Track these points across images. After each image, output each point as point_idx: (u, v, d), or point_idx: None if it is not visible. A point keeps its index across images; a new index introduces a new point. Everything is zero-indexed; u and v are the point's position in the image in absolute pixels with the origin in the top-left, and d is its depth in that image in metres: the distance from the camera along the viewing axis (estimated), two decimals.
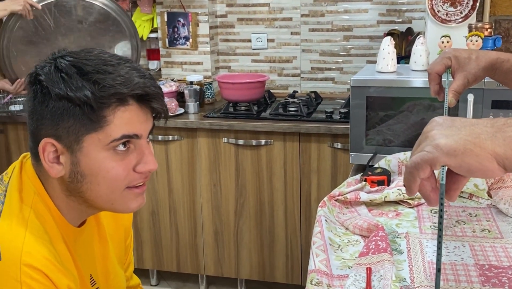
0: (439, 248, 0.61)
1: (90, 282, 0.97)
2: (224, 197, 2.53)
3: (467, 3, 1.76)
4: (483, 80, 1.58)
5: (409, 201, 1.43)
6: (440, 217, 0.62)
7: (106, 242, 1.05)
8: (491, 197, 1.40)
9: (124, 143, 0.86)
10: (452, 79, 1.12)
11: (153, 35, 2.96)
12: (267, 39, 2.88)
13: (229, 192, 2.52)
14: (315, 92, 2.72)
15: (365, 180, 1.50)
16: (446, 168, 0.64)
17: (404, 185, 0.69)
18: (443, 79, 1.14)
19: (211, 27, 2.84)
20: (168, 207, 2.62)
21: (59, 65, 0.85)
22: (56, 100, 0.83)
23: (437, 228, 1.30)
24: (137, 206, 0.93)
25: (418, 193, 1.42)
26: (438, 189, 0.68)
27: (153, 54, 2.97)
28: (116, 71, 0.84)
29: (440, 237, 0.61)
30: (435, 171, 0.67)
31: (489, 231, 1.26)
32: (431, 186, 0.68)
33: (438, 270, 0.61)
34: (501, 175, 0.62)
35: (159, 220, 2.65)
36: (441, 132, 0.64)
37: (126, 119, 0.85)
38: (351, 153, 1.73)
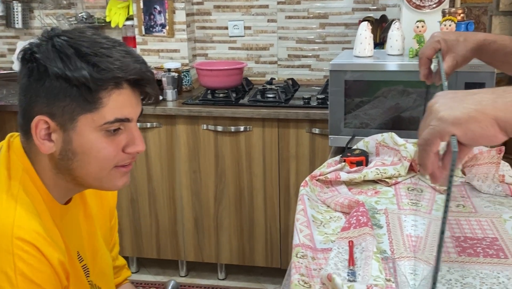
0: (445, 211, 0.64)
1: (78, 258, 0.99)
2: (203, 183, 2.55)
3: None
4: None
5: (387, 180, 1.47)
6: (450, 182, 0.63)
7: (92, 220, 1.07)
8: (465, 174, 1.46)
9: (115, 127, 0.90)
10: (443, 61, 1.15)
11: (129, 22, 2.94)
12: (244, 27, 2.89)
13: (209, 178, 2.54)
14: (292, 79, 2.75)
15: (344, 161, 1.55)
16: (456, 137, 0.65)
17: (418, 164, 0.71)
18: (433, 64, 1.17)
19: (187, 15, 2.84)
20: (147, 194, 2.63)
21: (56, 44, 0.86)
22: (53, 79, 0.85)
23: (414, 204, 1.35)
24: (122, 183, 0.97)
25: (393, 172, 1.46)
26: (441, 166, 0.70)
27: (129, 42, 2.96)
28: (113, 55, 0.86)
29: (447, 201, 0.63)
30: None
31: (463, 206, 1.31)
32: (437, 162, 0.70)
33: (442, 232, 0.64)
34: (503, 139, 0.64)
35: (139, 207, 2.65)
36: (445, 105, 0.67)
37: (120, 102, 0.88)
38: (330, 136, 1.77)
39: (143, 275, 2.78)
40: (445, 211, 0.63)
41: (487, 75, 1.58)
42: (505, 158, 1.42)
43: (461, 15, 1.67)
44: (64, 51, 0.85)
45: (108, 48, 0.87)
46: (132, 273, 2.80)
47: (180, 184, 2.57)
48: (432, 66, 1.18)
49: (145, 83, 0.90)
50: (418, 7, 1.83)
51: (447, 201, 0.63)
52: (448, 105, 0.66)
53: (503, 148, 1.37)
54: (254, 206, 2.53)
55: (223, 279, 2.72)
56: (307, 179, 1.43)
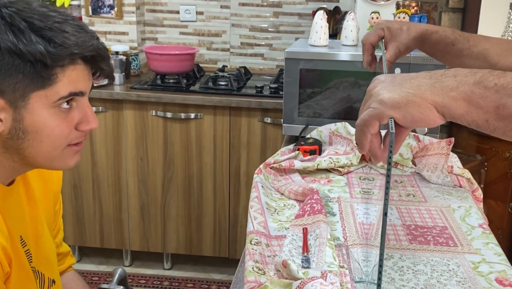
0: (386, 193, 0.64)
1: (21, 243, 0.93)
2: (151, 170, 2.48)
3: None
4: (409, 55, 1.65)
5: (339, 168, 1.48)
6: (389, 164, 0.64)
7: (35, 203, 1.01)
8: (415, 165, 1.48)
9: (68, 101, 0.85)
10: (385, 50, 1.17)
11: (75, 2, 2.81)
12: (196, 12, 2.83)
13: (157, 165, 2.47)
14: (244, 67, 2.72)
15: (298, 149, 1.54)
16: (393, 119, 0.67)
17: (356, 143, 0.72)
18: (376, 52, 1.18)
19: None
20: (91, 181, 2.53)
21: (5, 16, 0.80)
22: (5, 53, 0.79)
23: (365, 193, 1.36)
24: (74, 162, 0.93)
25: (346, 161, 1.47)
26: (383, 147, 0.72)
27: None
28: (67, 30, 0.82)
29: (388, 183, 0.64)
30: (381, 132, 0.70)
31: (414, 196, 1.33)
32: (378, 143, 0.71)
33: (385, 214, 0.64)
34: (441, 122, 0.66)
35: (82, 194, 2.55)
36: (384, 88, 0.68)
37: (74, 77, 0.84)
38: (284, 124, 1.76)
39: (86, 265, 2.69)
40: (386, 193, 0.65)
41: (439, 67, 1.61)
42: (453, 151, 1.45)
43: (415, 8, 1.69)
44: (16, 24, 0.79)
45: (61, 23, 0.82)
46: None
47: (126, 171, 2.50)
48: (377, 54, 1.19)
49: (100, 60, 0.87)
50: None
51: (388, 181, 0.65)
52: (387, 88, 0.67)
53: (452, 139, 1.40)
54: (203, 194, 2.49)
55: (169, 269, 2.67)
56: (261, 166, 1.41)
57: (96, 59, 0.86)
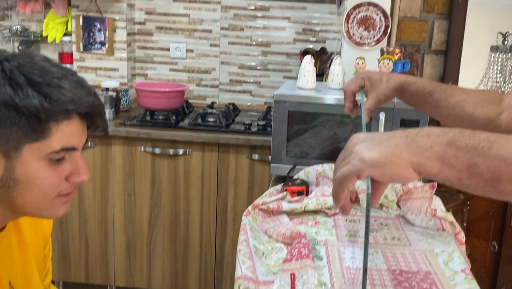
0: (366, 249, 0.67)
1: (10, 288, 0.93)
2: (138, 206, 2.49)
3: (379, 28, 1.90)
4: (394, 100, 1.71)
5: (326, 210, 1.51)
6: (367, 222, 0.68)
7: (25, 248, 1.02)
8: (400, 207, 1.52)
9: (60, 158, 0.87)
10: (366, 98, 1.22)
11: (66, 38, 2.85)
12: (186, 49, 2.89)
13: (144, 201, 2.48)
14: (233, 104, 2.77)
15: (286, 190, 1.57)
16: (370, 178, 0.71)
17: (332, 195, 0.76)
18: (357, 98, 1.24)
19: (128, 34, 2.80)
20: (77, 216, 2.52)
21: (6, 69, 0.82)
22: (1, 106, 0.81)
23: (352, 236, 1.38)
24: (63, 212, 0.94)
25: (332, 203, 1.50)
26: (353, 200, 0.77)
27: (66, 58, 2.87)
28: (65, 86, 0.84)
29: (367, 239, 0.67)
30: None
31: (398, 239, 1.36)
32: (350, 197, 0.77)
33: (365, 270, 0.67)
34: (416, 179, 0.71)
35: (68, 229, 2.54)
36: (364, 147, 0.72)
37: (68, 132, 0.86)
38: (272, 164, 1.79)
39: None
40: (366, 244, 0.68)
41: (421, 113, 1.67)
42: (436, 190, 1.49)
43: (398, 54, 1.76)
44: (15, 79, 0.82)
45: (60, 78, 0.85)
46: None
47: (113, 207, 2.50)
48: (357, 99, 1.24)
49: (95, 115, 0.89)
50: (358, 44, 1.91)
51: (367, 233, 0.68)
52: (367, 148, 0.71)
53: (435, 183, 1.44)
54: (190, 231, 2.49)
55: None
56: (249, 208, 1.43)
57: (92, 115, 0.89)
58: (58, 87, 0.84)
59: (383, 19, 1.92)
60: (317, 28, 2.78)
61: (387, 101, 1.20)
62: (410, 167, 0.68)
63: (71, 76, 0.87)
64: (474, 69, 2.55)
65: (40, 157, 0.85)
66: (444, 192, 2.21)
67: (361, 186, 1.51)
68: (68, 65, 2.87)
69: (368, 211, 0.71)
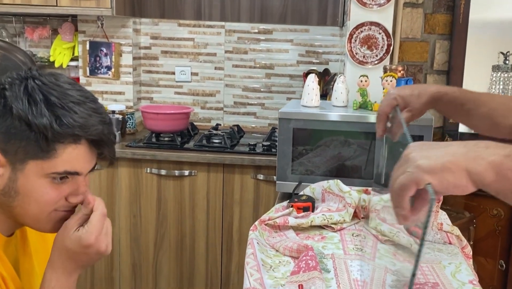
0: (418, 256, 0.66)
1: None
2: (144, 228, 2.49)
3: (382, 47, 1.94)
4: None
5: (332, 225, 1.51)
6: (425, 228, 0.67)
7: (30, 257, 1.03)
8: None
9: (62, 177, 0.90)
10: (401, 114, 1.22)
11: (73, 63, 2.90)
12: (191, 73, 2.93)
13: (149, 223, 2.48)
14: (237, 125, 2.79)
15: (292, 206, 1.57)
16: (431, 185, 0.69)
17: (394, 206, 0.73)
18: (391, 115, 1.24)
19: (134, 58, 2.85)
20: None
21: (28, 86, 0.86)
22: (15, 119, 0.85)
23: (359, 250, 1.38)
24: (60, 227, 0.95)
25: (339, 218, 1.50)
26: (412, 209, 0.72)
27: None
28: (79, 111, 0.87)
29: (423, 240, 0.66)
30: None
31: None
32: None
33: (413, 275, 0.67)
34: (472, 190, 0.69)
35: None
36: (420, 154, 0.71)
37: (74, 157, 0.88)
38: (277, 182, 1.80)
39: None
40: (418, 255, 0.66)
41: (425, 128, 1.68)
42: (441, 208, 1.49)
43: (401, 72, 1.78)
44: (33, 96, 0.85)
45: (77, 103, 0.88)
46: None
47: (119, 228, 2.50)
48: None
49: (103, 145, 0.91)
50: (361, 62, 1.94)
51: (421, 245, 0.66)
52: (424, 154, 0.71)
53: (441, 197, 1.45)
54: (196, 252, 2.49)
55: None
56: (256, 223, 1.44)
57: (100, 143, 0.91)
58: (71, 112, 0.86)
59: (385, 38, 1.96)
60: (320, 50, 2.83)
61: (422, 114, 1.19)
62: (466, 175, 0.68)
63: (88, 103, 0.89)
64: (477, 89, 2.55)
65: (42, 175, 0.87)
66: (450, 210, 2.20)
67: (375, 206, 1.51)
68: None
69: (429, 216, 0.68)
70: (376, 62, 1.94)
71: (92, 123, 0.88)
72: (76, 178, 0.91)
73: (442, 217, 1.47)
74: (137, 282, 2.54)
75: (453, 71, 2.57)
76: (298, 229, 1.48)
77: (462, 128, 2.55)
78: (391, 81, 1.73)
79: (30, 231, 1.04)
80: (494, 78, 2.48)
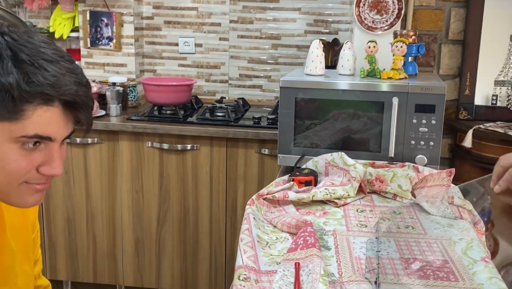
0: None
1: None
2: (146, 203, 2.43)
3: (392, 11, 1.82)
4: (407, 84, 1.62)
5: (335, 200, 1.42)
6: None
7: (3, 233, 0.96)
8: (414, 197, 1.42)
9: (35, 142, 0.81)
10: None
11: (74, 34, 2.82)
12: (195, 44, 2.83)
13: (152, 198, 2.42)
14: (242, 99, 2.70)
15: (293, 180, 1.49)
16: None
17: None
18: None
19: (136, 29, 2.75)
20: (85, 214, 2.47)
21: None
22: None
23: (363, 226, 1.29)
24: (33, 202, 0.87)
25: (342, 193, 1.42)
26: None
27: (73, 54, 2.83)
28: (51, 69, 0.78)
29: None
30: None
31: (412, 228, 1.27)
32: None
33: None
34: None
35: (75, 227, 2.49)
36: None
37: (46, 119, 0.79)
38: (279, 155, 1.71)
39: None
40: None
41: (437, 97, 1.57)
42: (454, 184, 1.40)
43: (413, 37, 1.66)
44: (1, 52, 0.77)
45: (50, 61, 0.78)
46: None
47: (121, 204, 2.44)
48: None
49: (78, 108, 0.82)
50: (370, 28, 1.83)
51: None
52: None
53: (453, 170, 1.35)
54: (199, 228, 2.42)
55: None
56: (253, 197, 1.35)
57: (75, 106, 0.81)
58: (42, 69, 0.77)
59: (396, 1, 1.83)
60: (329, 19, 2.70)
61: None
62: None
63: (63, 62, 0.80)
64: (494, 59, 2.43)
65: (11, 139, 0.78)
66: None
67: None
68: (76, 62, 2.83)
69: None
70: (386, 28, 1.82)
71: (65, 83, 0.78)
72: (50, 145, 0.82)
73: (454, 191, 1.37)
74: (140, 259, 2.49)
75: (469, 41, 2.43)
76: (298, 204, 1.40)
77: (478, 100, 2.43)
78: (401, 47, 1.62)
79: (7, 208, 0.97)
80: (511, 48, 2.34)
